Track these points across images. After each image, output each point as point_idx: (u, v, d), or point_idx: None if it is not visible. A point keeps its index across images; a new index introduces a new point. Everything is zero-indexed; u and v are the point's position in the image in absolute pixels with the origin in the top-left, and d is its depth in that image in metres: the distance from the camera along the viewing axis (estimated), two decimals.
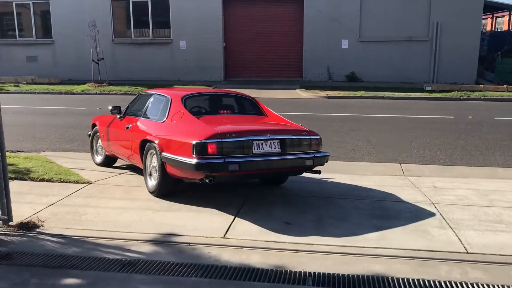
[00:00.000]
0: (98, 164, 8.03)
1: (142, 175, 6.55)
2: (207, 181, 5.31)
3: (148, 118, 6.61)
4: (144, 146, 6.27)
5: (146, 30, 22.12)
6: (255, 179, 6.75)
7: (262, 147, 5.51)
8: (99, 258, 4.41)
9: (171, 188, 6.06)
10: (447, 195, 6.47)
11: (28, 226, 5.08)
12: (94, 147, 8.20)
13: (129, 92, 18.42)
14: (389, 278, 4.03)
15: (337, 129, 11.42)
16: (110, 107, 7.40)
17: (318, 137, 6.00)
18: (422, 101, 16.61)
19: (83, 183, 6.80)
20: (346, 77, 20.59)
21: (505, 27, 29.42)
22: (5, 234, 4.94)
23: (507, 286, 3.92)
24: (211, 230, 5.04)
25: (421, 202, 6.09)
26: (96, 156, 8.16)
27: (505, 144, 9.90)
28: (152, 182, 6.19)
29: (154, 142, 5.96)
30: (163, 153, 5.75)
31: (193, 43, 21.42)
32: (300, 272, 4.13)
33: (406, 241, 4.81)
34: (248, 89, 19.08)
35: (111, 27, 22.09)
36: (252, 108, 6.94)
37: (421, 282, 3.97)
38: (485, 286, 3.92)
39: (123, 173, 7.49)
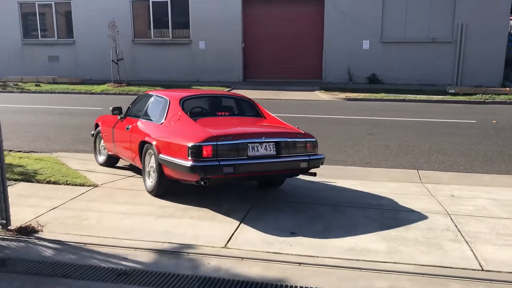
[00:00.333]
0: (101, 164, 8.06)
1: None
2: (202, 183, 5.37)
3: (147, 119, 6.68)
4: (143, 147, 6.35)
5: (165, 30, 22.11)
6: (253, 181, 6.72)
7: (257, 150, 5.55)
8: (94, 266, 4.27)
9: (168, 189, 6.14)
10: (464, 205, 6.15)
11: (26, 231, 4.97)
12: (97, 147, 8.26)
13: None
14: None
15: (354, 132, 11.12)
16: (111, 108, 7.47)
17: (314, 139, 6.00)
18: (445, 104, 16.15)
19: (88, 186, 6.70)
20: (367, 79, 20.20)
21: None
22: (3, 239, 4.84)
23: None
24: (212, 239, 4.85)
25: (436, 213, 5.78)
26: (99, 156, 8.22)
27: None
28: (150, 182, 6.29)
29: (152, 144, 6.03)
30: (160, 154, 5.82)
31: (212, 43, 21.32)
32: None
33: (417, 255, 4.53)
34: (266, 91, 18.93)
35: (131, 27, 22.16)
36: (250, 110, 6.94)
37: None
38: None
39: (131, 176, 7.37)
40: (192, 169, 5.27)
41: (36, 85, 20.98)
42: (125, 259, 4.42)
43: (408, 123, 12.47)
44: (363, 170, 8.31)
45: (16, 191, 6.42)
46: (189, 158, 5.31)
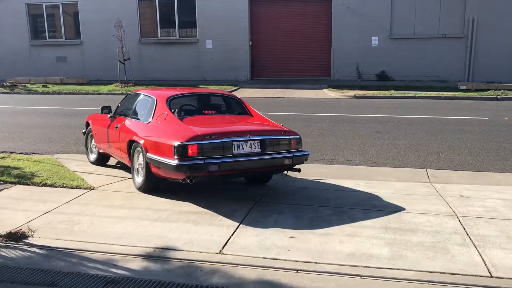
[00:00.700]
0: (92, 162, 8.14)
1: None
2: (188, 181, 5.47)
3: (135, 118, 6.78)
4: (131, 145, 6.47)
5: (172, 29, 21.98)
6: (242, 178, 6.77)
7: (242, 148, 5.68)
8: (82, 274, 4.09)
9: (156, 186, 6.23)
10: (474, 206, 5.88)
11: (16, 237, 4.81)
12: (89, 146, 8.33)
13: None
14: None
15: (361, 131, 10.85)
16: (100, 107, 7.60)
17: (298, 136, 6.13)
18: (456, 100, 15.79)
19: (85, 188, 6.54)
20: (376, 75, 19.89)
21: None
22: None
23: None
24: (207, 244, 4.65)
25: (444, 214, 5.52)
26: (90, 154, 8.29)
27: None
28: (139, 179, 6.38)
29: (139, 143, 6.14)
30: (147, 153, 5.91)
31: (219, 42, 21.14)
32: None
33: (422, 260, 4.28)
34: (273, 89, 18.71)
35: (138, 27, 22.06)
36: (237, 107, 7.03)
37: None
38: None
39: (130, 178, 7.19)
40: (177, 167, 5.38)
41: (43, 86, 20.98)
42: (115, 266, 4.24)
43: (418, 120, 12.16)
44: (370, 169, 8.06)
45: (10, 194, 6.29)
46: (175, 157, 5.41)
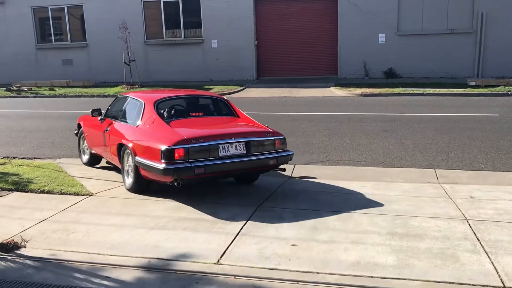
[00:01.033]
0: (85, 163, 8.26)
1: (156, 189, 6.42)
2: (175, 184, 5.59)
3: (124, 121, 6.91)
4: (121, 148, 6.59)
5: (177, 30, 21.83)
6: (231, 178, 6.84)
7: (228, 150, 5.81)
8: (74, 287, 3.92)
9: (145, 187, 6.32)
10: (485, 208, 5.63)
11: (7, 248, 4.66)
12: (81, 147, 8.47)
13: None
14: None
15: (368, 130, 10.61)
16: (91, 110, 7.70)
17: (282, 137, 6.29)
18: (465, 97, 15.45)
19: (83, 195, 6.38)
20: (384, 73, 19.59)
21: None
22: None
23: None
24: (205, 253, 4.46)
25: (453, 218, 5.29)
26: (83, 155, 8.41)
27: None
28: (129, 180, 6.48)
29: (128, 146, 6.27)
30: (136, 157, 6.04)
31: (224, 42, 20.95)
32: None
33: (430, 269, 4.06)
34: (280, 88, 18.49)
35: (143, 28, 21.93)
36: (224, 109, 7.12)
37: None
38: None
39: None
40: (164, 171, 5.51)
41: (50, 89, 20.93)
42: (108, 278, 4.07)
43: (426, 118, 11.88)
44: (376, 170, 7.83)
45: (7, 202, 6.16)
46: (162, 161, 5.53)
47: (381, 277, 3.94)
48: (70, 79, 22.45)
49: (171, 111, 6.68)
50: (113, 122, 7.10)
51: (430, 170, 7.67)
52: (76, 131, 8.70)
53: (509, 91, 15.80)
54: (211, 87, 19.27)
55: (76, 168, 8.15)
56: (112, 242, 4.79)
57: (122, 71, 20.76)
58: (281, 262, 4.25)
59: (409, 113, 12.70)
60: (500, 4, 18.12)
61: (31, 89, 21.14)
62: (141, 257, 4.41)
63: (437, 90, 16.34)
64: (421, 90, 16.51)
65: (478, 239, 4.67)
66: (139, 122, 6.44)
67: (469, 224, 5.08)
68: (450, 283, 3.83)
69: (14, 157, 9.11)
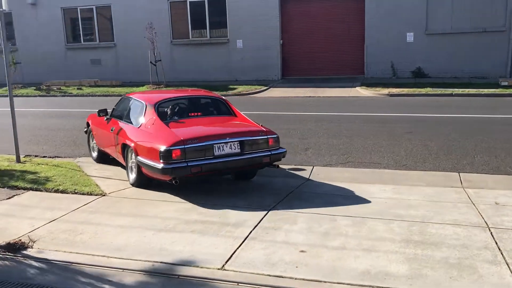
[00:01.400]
0: (95, 160, 8.58)
1: (163, 186, 6.54)
2: (173, 182, 5.94)
3: (128, 122, 7.23)
4: (125, 147, 6.96)
5: (203, 30, 21.83)
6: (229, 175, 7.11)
7: (223, 149, 6.12)
8: None
9: (147, 183, 6.60)
10: (509, 215, 5.33)
11: (15, 248, 4.64)
12: (91, 144, 8.84)
13: None
14: None
15: (392, 131, 10.30)
16: (98, 110, 8.09)
17: (275, 136, 6.56)
18: (496, 98, 14.90)
19: (96, 195, 6.36)
20: (412, 73, 19.10)
21: None
22: None
23: None
24: (210, 258, 4.34)
25: (474, 225, 5.02)
26: (92, 152, 8.76)
27: None
28: (132, 176, 6.82)
29: (131, 146, 6.63)
30: (138, 157, 6.39)
31: (249, 42, 20.83)
32: None
33: (444, 281, 3.83)
34: (304, 88, 18.27)
35: (170, 28, 22.01)
36: (222, 109, 7.39)
37: None
38: None
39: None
40: (163, 170, 5.86)
41: (78, 89, 21.24)
42: (110, 281, 3.99)
43: (453, 120, 11.48)
44: (398, 173, 7.57)
45: (20, 201, 6.18)
46: (161, 160, 5.87)
47: None
48: (98, 78, 22.73)
49: (170, 112, 6.95)
50: (118, 122, 7.43)
51: (454, 174, 7.36)
52: (85, 129, 9.06)
53: None
54: (235, 86, 19.20)
55: (94, 167, 8.17)
56: (118, 244, 4.72)
57: (148, 71, 20.89)
58: (287, 269, 4.08)
59: (436, 114, 12.31)
60: None
61: (60, 88, 21.50)
62: (145, 261, 4.32)
63: (466, 91, 15.83)
64: (449, 91, 16.02)
65: (499, 249, 4.39)
66: (140, 123, 6.81)
67: (491, 232, 4.80)
68: None
69: (36, 156, 9.20)
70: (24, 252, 4.59)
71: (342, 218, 5.33)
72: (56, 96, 20.26)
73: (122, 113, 7.59)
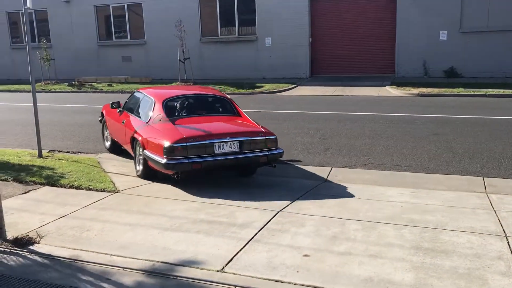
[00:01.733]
0: (107, 149, 9.15)
1: (180, 183, 6.72)
2: (175, 176, 6.32)
3: (138, 116, 7.62)
4: (133, 140, 7.34)
5: (232, 28, 21.82)
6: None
7: (223, 148, 6.46)
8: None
9: (153, 175, 6.92)
10: None
11: (22, 243, 4.70)
12: (104, 134, 9.42)
13: None
14: None
15: (417, 132, 10.01)
16: (111, 102, 8.61)
17: (274, 137, 6.83)
18: None
19: (109, 191, 6.40)
20: (444, 72, 18.57)
21: None
22: None
23: None
24: (212, 259, 4.28)
25: (490, 234, 4.78)
26: (106, 141, 9.35)
27: None
28: (139, 167, 7.19)
29: (139, 140, 7.02)
30: (144, 150, 6.76)
31: (278, 40, 20.70)
32: None
33: None
34: (332, 87, 18.03)
35: (199, 26, 22.11)
36: (226, 108, 7.64)
37: None
38: None
39: (160, 181, 6.98)
40: (166, 165, 6.24)
41: (108, 85, 21.59)
42: (108, 280, 3.98)
43: (483, 121, 11.07)
44: (419, 176, 7.34)
45: (36, 196, 6.27)
46: (164, 156, 6.26)
47: None
48: (129, 75, 23.05)
49: (177, 109, 7.33)
50: (129, 115, 7.85)
51: (478, 178, 7.09)
52: (100, 118, 9.63)
53: None
54: (262, 84, 19.12)
55: (113, 163, 8.24)
56: (123, 242, 4.71)
57: (176, 68, 21.05)
58: (288, 274, 3.98)
59: (465, 115, 11.90)
60: None
61: (91, 85, 21.91)
62: (147, 260, 4.29)
63: (501, 91, 15.27)
64: (483, 91, 15.49)
65: None
66: (149, 118, 7.18)
67: (508, 242, 4.56)
68: None
69: (59, 151, 9.36)
70: (31, 247, 4.64)
71: (352, 222, 5.18)
72: (87, 92, 20.64)
73: (133, 107, 8.00)
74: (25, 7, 8.25)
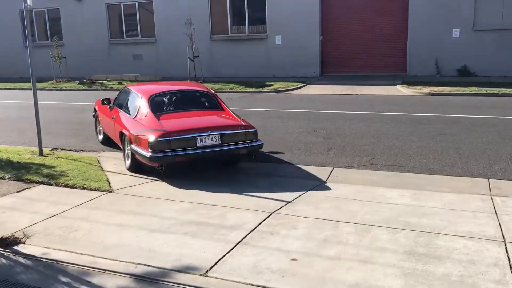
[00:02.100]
0: (101, 142, 9.61)
1: (176, 181, 6.86)
2: (159, 169, 6.68)
3: (126, 112, 7.95)
4: (122, 135, 7.67)
5: (242, 26, 21.71)
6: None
7: (205, 141, 6.80)
8: None
9: (140, 168, 7.22)
10: None
11: (6, 243, 4.64)
12: (97, 128, 9.93)
13: (220, 90, 18.02)
14: None
15: (423, 132, 9.78)
16: (101, 99, 9.06)
17: (253, 130, 7.17)
18: None
19: (103, 191, 6.33)
20: (457, 71, 18.23)
21: None
22: None
23: None
24: (196, 262, 4.16)
25: (488, 239, 4.59)
26: (99, 135, 9.86)
27: None
28: (128, 161, 7.48)
29: (126, 135, 7.35)
30: (131, 145, 7.09)
31: (288, 38, 20.52)
32: None
33: None
34: (342, 85, 17.81)
35: (209, 24, 22.03)
36: (210, 102, 8.00)
37: None
38: None
39: (155, 180, 6.90)
40: (150, 158, 6.59)
41: (119, 83, 21.61)
42: (89, 283, 3.88)
43: (492, 121, 10.78)
44: (422, 177, 7.13)
45: (30, 195, 6.22)
46: (149, 150, 6.60)
47: None
48: (139, 73, 23.06)
49: (162, 104, 7.65)
50: (119, 111, 8.19)
51: (483, 180, 6.86)
52: (93, 113, 10.13)
53: None
54: (271, 83, 18.95)
55: (112, 162, 8.17)
56: (108, 243, 4.62)
57: (186, 66, 21.00)
58: (272, 279, 3.84)
59: (476, 115, 11.61)
60: None
61: (102, 83, 21.97)
62: (130, 262, 4.20)
63: None
64: (496, 90, 15.14)
65: (510, 267, 3.97)
66: (135, 114, 7.55)
67: (506, 248, 4.37)
68: None
69: (62, 149, 9.33)
70: (15, 247, 4.57)
71: (346, 224, 5.02)
72: (97, 90, 20.69)
73: (122, 103, 8.36)
74: (25, 5, 8.24)
